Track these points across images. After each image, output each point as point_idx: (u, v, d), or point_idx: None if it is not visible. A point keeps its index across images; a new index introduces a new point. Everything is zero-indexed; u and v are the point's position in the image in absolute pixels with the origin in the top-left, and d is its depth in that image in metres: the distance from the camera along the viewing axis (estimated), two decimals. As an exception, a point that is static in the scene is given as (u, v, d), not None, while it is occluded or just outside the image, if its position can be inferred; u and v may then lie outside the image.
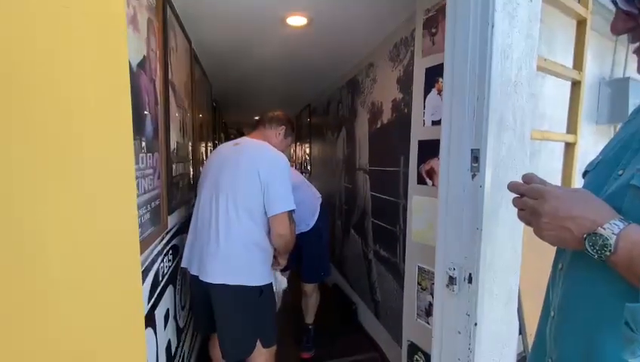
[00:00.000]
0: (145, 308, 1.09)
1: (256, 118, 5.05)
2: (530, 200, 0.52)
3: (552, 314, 0.59)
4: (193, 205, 1.65)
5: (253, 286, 1.42)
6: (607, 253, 0.45)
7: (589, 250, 0.46)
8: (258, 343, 1.46)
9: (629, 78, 1.97)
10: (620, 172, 0.52)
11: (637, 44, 0.54)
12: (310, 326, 2.39)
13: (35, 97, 0.37)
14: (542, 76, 1.59)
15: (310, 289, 2.34)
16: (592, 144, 1.90)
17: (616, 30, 0.55)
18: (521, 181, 0.56)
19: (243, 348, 1.45)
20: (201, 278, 1.41)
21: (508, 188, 0.57)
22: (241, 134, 4.25)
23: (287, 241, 1.49)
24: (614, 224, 0.45)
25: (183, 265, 1.54)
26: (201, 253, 1.44)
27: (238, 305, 1.42)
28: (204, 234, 1.44)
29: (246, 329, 1.44)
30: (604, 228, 0.45)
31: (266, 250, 1.47)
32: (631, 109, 0.63)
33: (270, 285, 1.50)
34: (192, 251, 1.50)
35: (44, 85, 0.38)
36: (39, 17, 0.37)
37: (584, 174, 0.63)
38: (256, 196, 1.40)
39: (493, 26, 0.92)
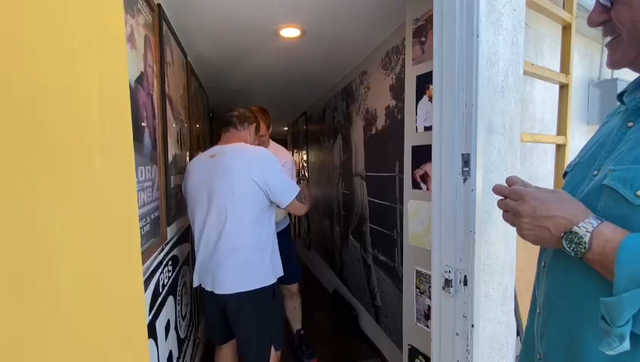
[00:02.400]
0: (146, 318, 1.10)
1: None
2: (512, 201, 0.54)
3: (538, 310, 0.61)
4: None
5: (265, 287, 1.46)
6: (583, 250, 0.47)
7: (566, 247, 0.48)
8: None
9: (616, 79, 2.01)
10: (595, 172, 0.54)
11: (608, 38, 0.56)
12: (302, 332, 2.32)
13: (39, 114, 0.39)
14: (531, 79, 1.63)
15: (296, 288, 2.28)
16: (583, 144, 1.93)
17: (591, 21, 0.56)
18: (505, 184, 0.59)
19: (264, 355, 1.52)
20: (216, 292, 1.44)
21: (493, 191, 0.59)
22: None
23: (307, 210, 1.64)
24: (589, 222, 0.47)
25: (195, 284, 1.53)
26: (215, 268, 1.45)
27: (254, 310, 1.46)
28: (215, 250, 1.45)
29: (264, 335, 1.51)
30: (579, 227, 0.47)
31: (271, 248, 1.52)
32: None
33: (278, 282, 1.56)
34: (205, 268, 1.50)
35: (48, 103, 0.41)
36: (44, 42, 0.40)
37: (564, 175, 0.66)
38: (258, 199, 1.44)
39: (478, 36, 0.95)
